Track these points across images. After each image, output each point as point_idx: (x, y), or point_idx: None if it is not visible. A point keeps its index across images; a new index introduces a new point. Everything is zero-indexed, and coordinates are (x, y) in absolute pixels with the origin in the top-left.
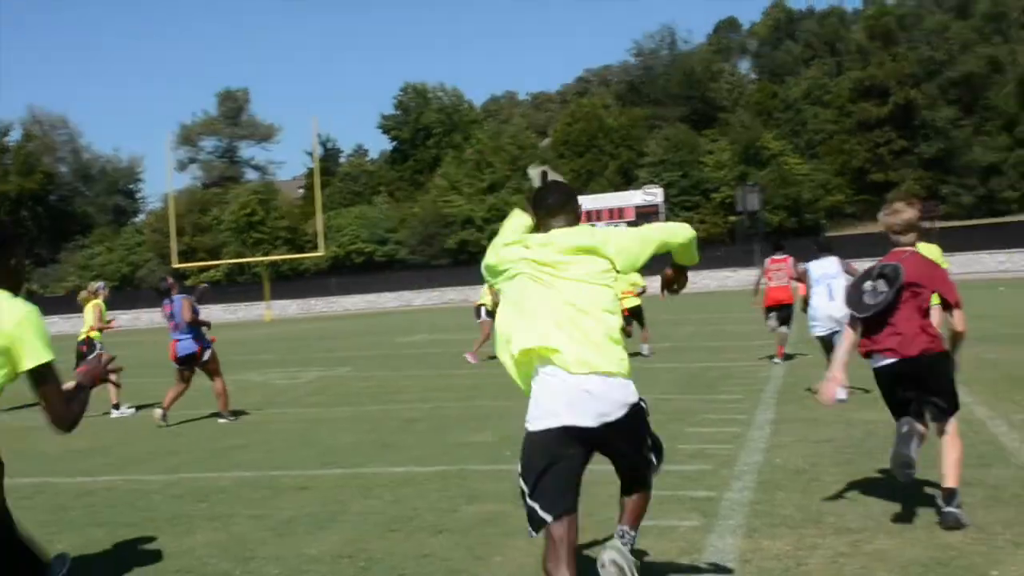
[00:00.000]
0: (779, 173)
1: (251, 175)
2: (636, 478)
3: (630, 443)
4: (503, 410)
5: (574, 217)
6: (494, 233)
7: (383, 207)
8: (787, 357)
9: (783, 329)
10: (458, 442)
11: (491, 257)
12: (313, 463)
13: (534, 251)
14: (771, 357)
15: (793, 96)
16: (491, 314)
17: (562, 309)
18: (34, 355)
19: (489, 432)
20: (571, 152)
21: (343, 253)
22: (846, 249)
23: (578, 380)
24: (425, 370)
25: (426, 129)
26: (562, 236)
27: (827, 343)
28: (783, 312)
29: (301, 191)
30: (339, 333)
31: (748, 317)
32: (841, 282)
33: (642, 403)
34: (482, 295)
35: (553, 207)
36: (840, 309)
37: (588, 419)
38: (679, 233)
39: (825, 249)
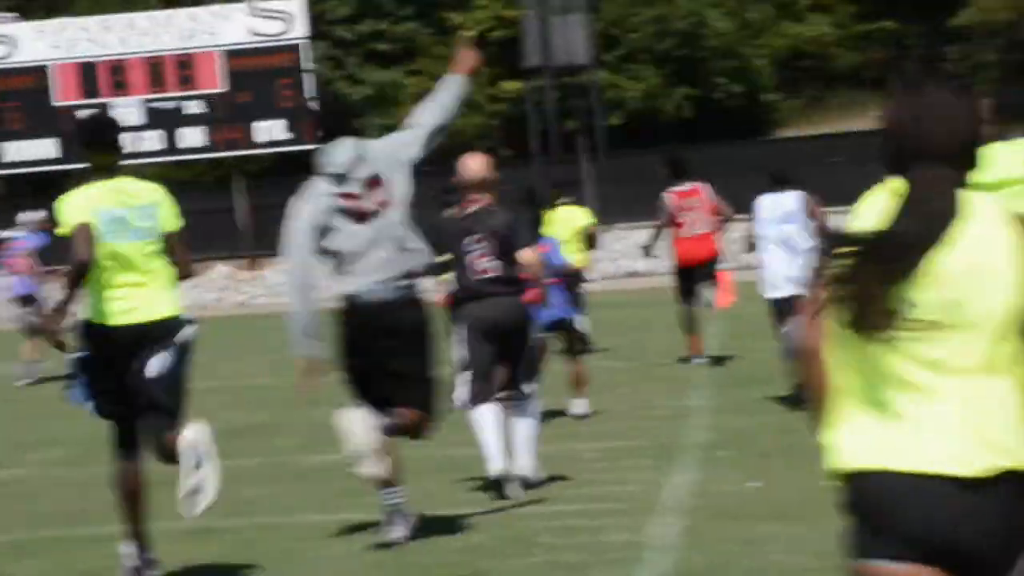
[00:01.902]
0: None
1: None
2: None
3: None
4: None
5: None
6: None
7: None
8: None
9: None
10: None
11: None
12: None
13: None
14: (687, 359)
15: None
16: None
17: None
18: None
19: None
20: None
21: None
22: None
23: None
24: None
25: None
26: None
27: (782, 310)
28: (703, 273)
29: None
30: None
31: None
32: (806, 227)
33: None
34: None
35: None
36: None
37: None
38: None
39: (781, 180)
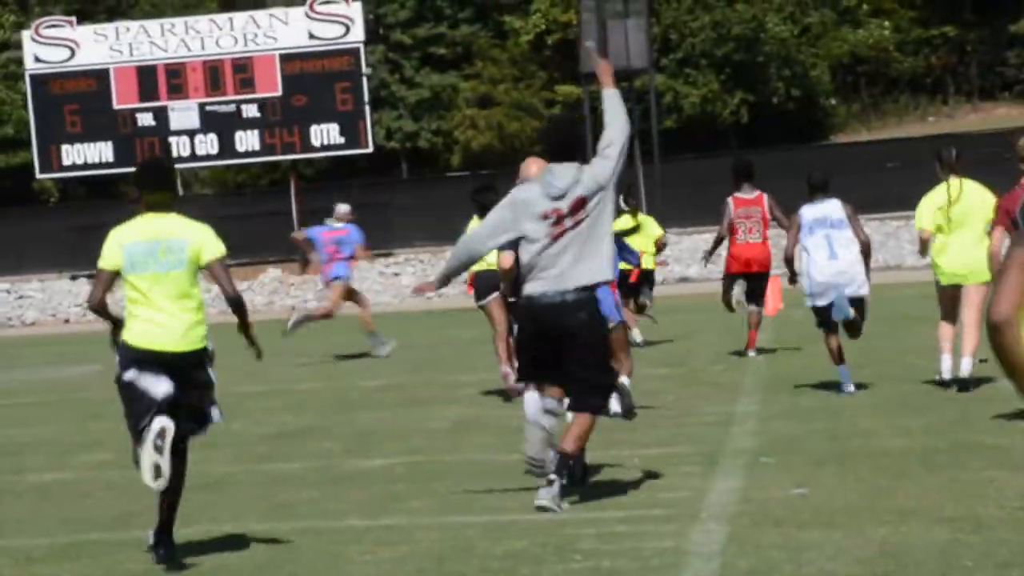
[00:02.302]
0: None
1: None
2: None
3: None
4: None
5: None
6: None
7: None
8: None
9: (753, 308)
10: None
11: None
12: None
13: None
14: (740, 352)
15: None
16: None
17: None
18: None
19: None
20: None
21: None
22: None
23: None
24: None
25: None
26: None
27: (827, 317)
28: (756, 282)
29: None
30: None
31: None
32: (847, 233)
33: None
34: None
35: None
36: (847, 270)
37: None
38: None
39: (820, 188)
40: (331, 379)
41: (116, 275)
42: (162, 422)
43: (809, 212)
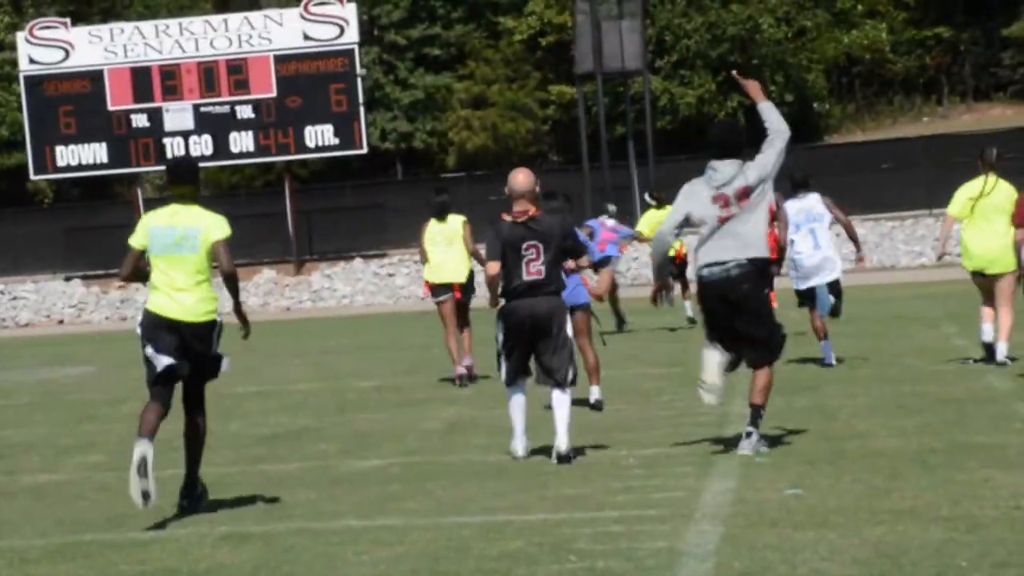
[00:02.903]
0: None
1: None
2: None
3: None
4: None
5: None
6: None
7: None
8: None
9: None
10: None
11: None
12: None
13: None
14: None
15: None
16: None
17: None
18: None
19: None
20: None
21: None
22: None
23: None
24: None
25: None
26: None
27: (809, 298)
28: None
29: None
30: None
31: None
32: (827, 225)
33: None
34: None
35: None
36: (831, 256)
37: None
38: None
39: (802, 185)
40: (327, 380)
41: (142, 253)
42: (141, 450)
43: (793, 207)
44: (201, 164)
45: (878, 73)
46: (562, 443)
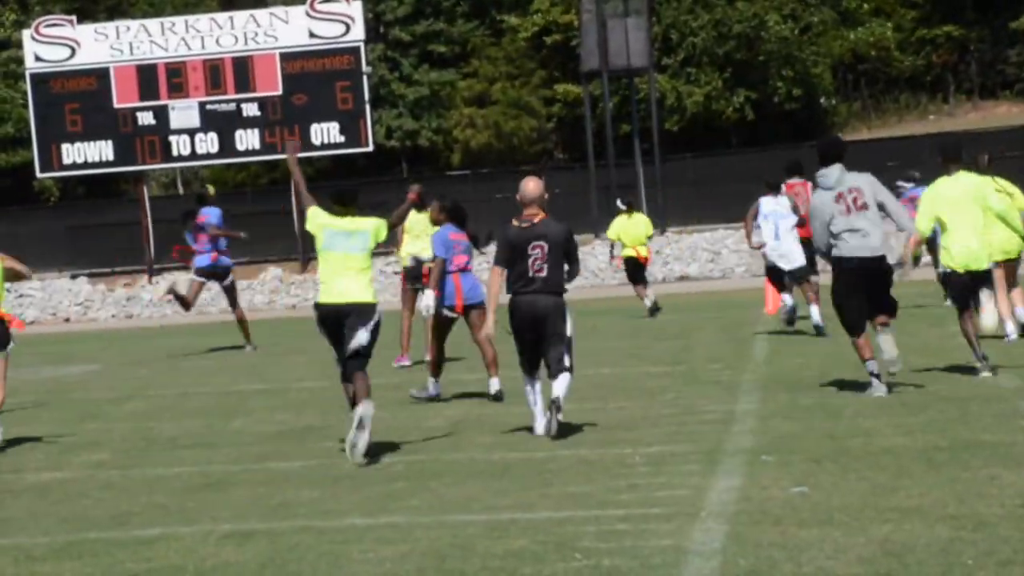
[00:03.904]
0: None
1: None
2: None
3: None
4: None
5: None
6: None
7: None
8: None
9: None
10: None
11: None
12: None
13: None
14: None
15: None
16: None
17: None
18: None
19: None
20: None
21: None
22: None
23: None
24: None
25: None
26: None
27: (790, 279)
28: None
29: None
30: None
31: None
32: (791, 222)
33: None
34: None
35: None
36: (792, 246)
37: None
38: None
39: (775, 188)
40: (331, 378)
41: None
42: (360, 411)
43: (768, 204)
44: (207, 162)
45: (884, 71)
46: (559, 389)
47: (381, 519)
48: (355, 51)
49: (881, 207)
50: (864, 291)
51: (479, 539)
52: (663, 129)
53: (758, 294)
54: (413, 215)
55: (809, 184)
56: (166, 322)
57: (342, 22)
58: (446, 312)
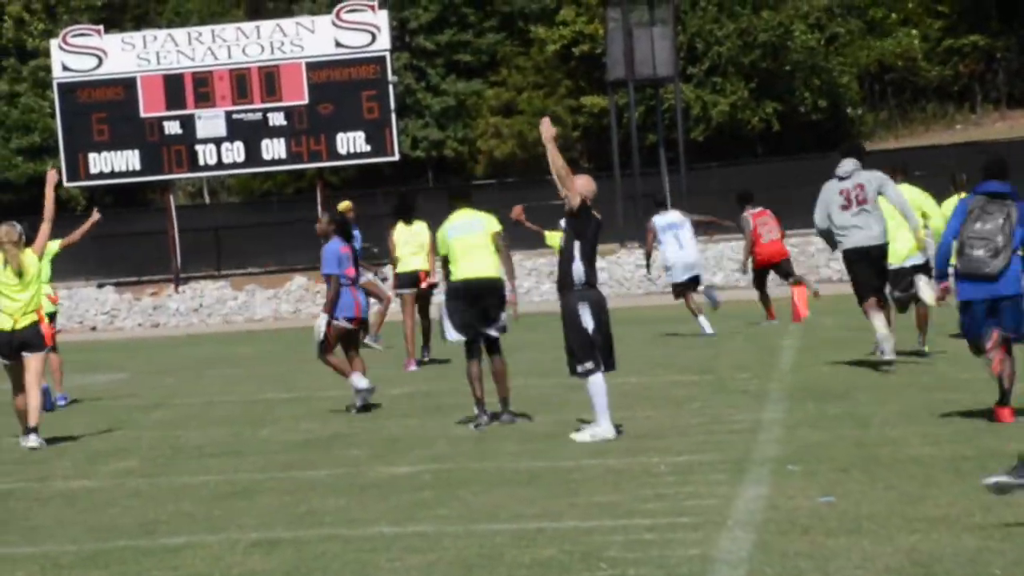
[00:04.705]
0: None
1: None
2: None
3: None
4: None
5: None
6: None
7: None
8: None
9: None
10: None
11: None
12: None
13: None
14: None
15: None
16: None
17: None
18: None
19: None
20: None
21: None
22: None
23: None
24: None
25: None
26: None
27: (683, 287)
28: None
29: None
30: None
31: None
32: (689, 232)
33: None
34: None
35: None
36: (692, 255)
37: None
38: None
39: (663, 204)
40: None
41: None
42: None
43: (661, 220)
44: (233, 171)
45: (911, 80)
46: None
47: (408, 528)
48: (381, 60)
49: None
50: (868, 270)
51: (506, 548)
52: (688, 139)
53: (784, 304)
54: (402, 227)
55: (769, 211)
56: (192, 331)
57: (368, 31)
58: (344, 323)
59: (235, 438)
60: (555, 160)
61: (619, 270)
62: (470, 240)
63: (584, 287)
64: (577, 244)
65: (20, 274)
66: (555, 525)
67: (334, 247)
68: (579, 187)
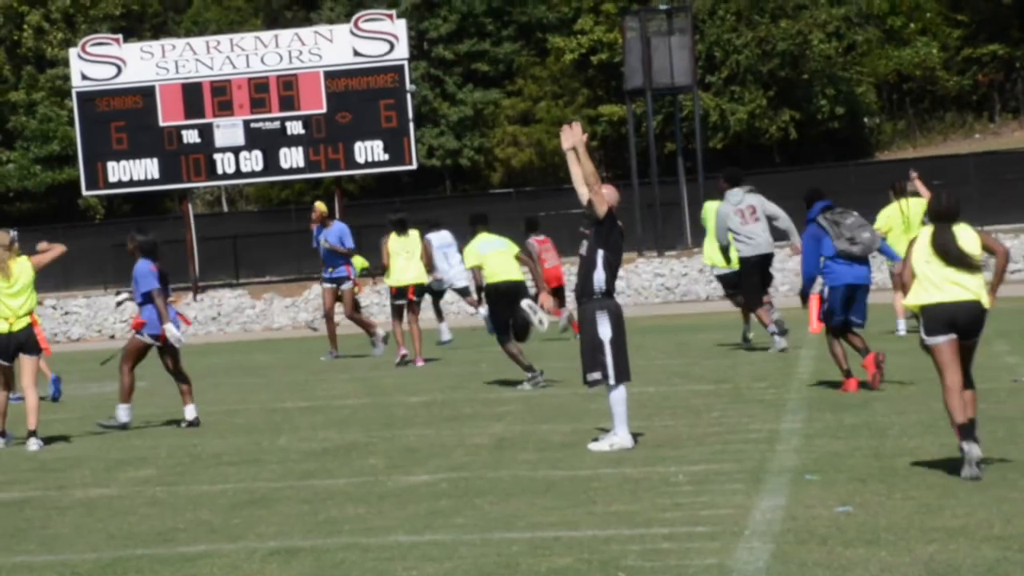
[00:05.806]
0: None
1: None
2: None
3: None
4: None
5: None
6: None
7: None
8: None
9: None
10: None
11: None
12: None
13: None
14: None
15: None
16: None
17: None
18: None
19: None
20: None
21: None
22: None
23: None
24: None
25: None
26: None
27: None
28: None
29: None
30: None
31: None
32: (455, 250)
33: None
34: None
35: None
36: (456, 271)
37: None
38: None
39: (435, 225)
40: (375, 395)
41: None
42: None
43: (435, 239)
44: (251, 180)
45: (929, 90)
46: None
47: (426, 536)
48: (399, 69)
49: (772, 219)
50: (758, 276)
51: (523, 557)
52: (707, 147)
53: (801, 313)
54: (395, 238)
55: (550, 240)
56: (210, 340)
57: (386, 40)
58: (149, 339)
59: (253, 446)
60: (585, 166)
61: (637, 279)
62: (498, 253)
63: (603, 296)
64: (601, 253)
65: (10, 279)
66: (572, 534)
67: (145, 267)
68: (605, 195)
